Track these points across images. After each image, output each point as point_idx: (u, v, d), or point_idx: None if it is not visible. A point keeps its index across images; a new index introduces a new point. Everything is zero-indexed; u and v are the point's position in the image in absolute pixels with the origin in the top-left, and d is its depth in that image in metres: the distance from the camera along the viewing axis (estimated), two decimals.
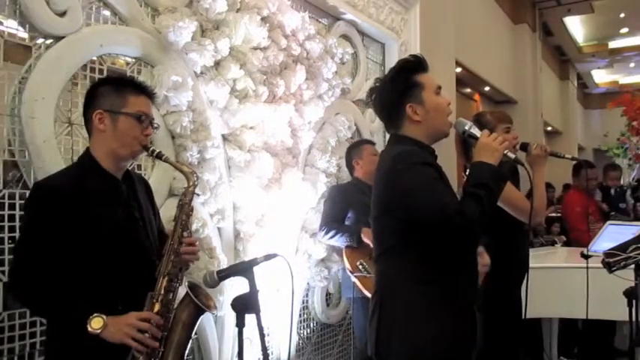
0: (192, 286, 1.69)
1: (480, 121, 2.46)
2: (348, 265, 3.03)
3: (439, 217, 1.53)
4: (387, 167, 1.68)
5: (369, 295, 2.93)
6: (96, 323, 1.48)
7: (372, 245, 2.90)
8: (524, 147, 2.39)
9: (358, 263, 3.02)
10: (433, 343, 1.59)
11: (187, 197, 1.72)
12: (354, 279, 2.99)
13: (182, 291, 1.71)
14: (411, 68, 1.75)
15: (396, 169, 1.63)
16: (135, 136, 1.65)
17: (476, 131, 1.74)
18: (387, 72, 1.84)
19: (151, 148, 1.70)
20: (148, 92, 1.72)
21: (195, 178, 1.74)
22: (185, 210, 1.71)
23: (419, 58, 1.77)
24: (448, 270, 1.64)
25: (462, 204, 1.57)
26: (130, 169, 1.79)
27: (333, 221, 3.09)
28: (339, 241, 3.07)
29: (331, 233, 3.07)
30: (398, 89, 1.73)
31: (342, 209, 3.11)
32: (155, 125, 1.74)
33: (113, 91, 1.66)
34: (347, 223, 3.11)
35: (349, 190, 3.16)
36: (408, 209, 1.60)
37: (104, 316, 1.49)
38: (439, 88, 1.76)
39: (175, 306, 1.67)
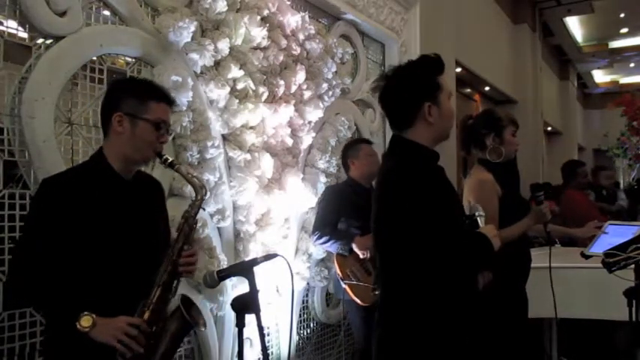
0: (186, 301, 1.69)
1: (492, 116, 2.44)
2: (338, 272, 3.02)
3: (434, 259, 1.56)
4: (384, 184, 1.66)
5: (359, 301, 2.94)
6: (85, 321, 1.49)
7: (361, 256, 2.93)
8: (538, 189, 2.35)
9: (349, 271, 3.00)
10: None
11: (193, 210, 1.72)
12: (344, 286, 2.98)
13: (175, 301, 1.71)
14: (433, 67, 1.71)
15: (393, 192, 1.60)
16: (150, 142, 1.66)
17: (482, 222, 1.78)
18: (406, 64, 1.76)
19: (164, 157, 1.70)
20: (169, 100, 1.73)
21: (204, 192, 1.74)
22: (189, 222, 1.71)
23: (441, 60, 1.72)
24: (449, 289, 1.61)
25: (463, 244, 1.60)
26: (141, 171, 1.80)
27: (326, 226, 3.05)
28: (331, 248, 3.05)
29: (324, 239, 3.03)
30: (421, 86, 1.68)
31: (336, 213, 3.07)
32: (170, 132, 1.75)
33: (136, 95, 1.66)
34: (340, 226, 3.07)
35: (343, 193, 3.11)
36: (404, 238, 1.58)
37: (94, 316, 1.50)
38: (450, 94, 1.75)
39: (166, 316, 1.67)
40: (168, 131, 1.73)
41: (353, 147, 3.22)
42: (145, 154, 1.68)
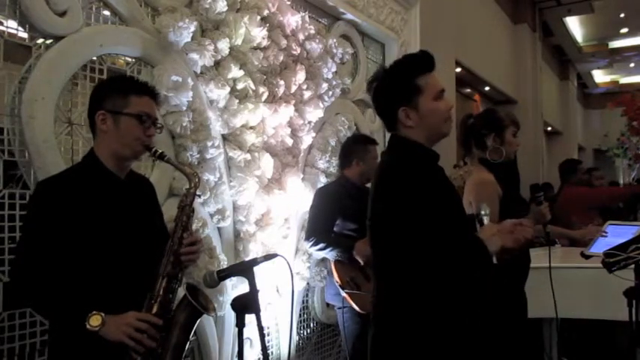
0: (191, 288, 1.69)
1: (493, 116, 2.42)
2: (337, 279, 2.90)
3: (434, 265, 1.55)
4: (379, 183, 1.65)
5: (358, 309, 2.84)
6: (94, 321, 1.49)
7: (362, 263, 2.84)
8: (537, 190, 2.34)
9: (348, 278, 2.89)
10: None
11: (188, 199, 1.72)
12: (344, 294, 2.87)
13: (182, 292, 1.71)
14: (413, 68, 1.65)
15: (388, 191, 1.59)
16: (137, 136, 1.66)
17: (487, 221, 1.76)
18: (391, 65, 1.72)
19: (154, 149, 1.70)
20: (151, 92, 1.72)
21: (197, 180, 1.74)
22: (186, 211, 1.71)
23: (425, 57, 1.66)
24: (445, 290, 1.59)
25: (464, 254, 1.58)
26: (133, 170, 1.80)
27: (321, 231, 2.92)
28: (329, 255, 2.92)
29: (320, 245, 2.89)
30: (393, 91, 1.65)
31: (331, 216, 2.96)
32: (159, 125, 1.74)
33: (116, 91, 1.66)
34: (335, 229, 2.98)
35: (336, 194, 2.99)
36: (398, 238, 1.57)
37: (103, 314, 1.50)
38: (441, 91, 1.66)
39: (174, 307, 1.67)
40: (155, 124, 1.71)
41: (362, 146, 3.07)
42: (133, 148, 1.67)
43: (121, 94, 1.65)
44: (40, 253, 1.52)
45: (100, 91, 1.69)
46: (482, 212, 1.78)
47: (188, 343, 1.69)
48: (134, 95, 1.67)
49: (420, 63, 1.66)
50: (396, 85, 1.65)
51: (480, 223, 1.76)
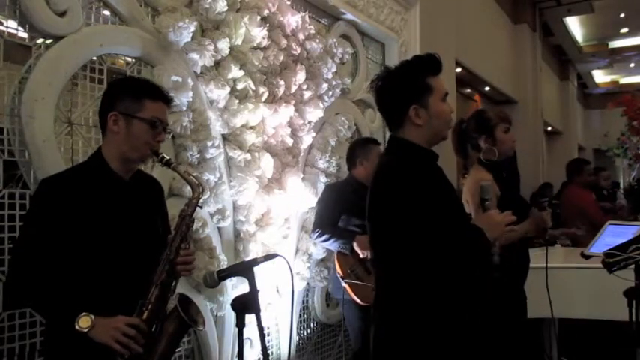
0: (183, 300, 1.68)
1: (481, 118, 2.43)
2: (339, 270, 3.00)
3: (433, 259, 1.56)
4: (377, 181, 1.67)
5: (358, 300, 2.92)
6: (84, 322, 1.49)
7: (362, 255, 2.91)
8: (543, 195, 2.35)
9: (349, 269, 2.97)
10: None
11: (190, 209, 1.72)
12: (344, 284, 2.96)
13: (174, 301, 1.70)
14: (424, 67, 1.69)
15: (386, 188, 1.61)
16: (147, 141, 1.66)
17: (488, 206, 1.77)
18: (398, 65, 1.75)
19: (161, 155, 1.69)
20: (165, 98, 1.72)
21: (201, 190, 1.74)
22: (186, 221, 1.71)
23: (435, 60, 1.69)
24: (446, 285, 1.60)
25: (463, 243, 1.59)
26: (142, 171, 1.80)
27: (327, 224, 3.03)
28: (332, 246, 3.02)
29: (325, 237, 3.01)
30: (406, 88, 1.67)
31: (337, 211, 3.05)
32: (168, 130, 1.74)
33: (131, 94, 1.66)
34: (340, 224, 3.06)
35: (344, 192, 3.09)
36: (397, 234, 1.58)
37: (92, 316, 1.50)
38: (446, 94, 1.71)
39: (165, 315, 1.66)
40: (165, 130, 1.72)
41: (364, 147, 3.15)
42: (141, 152, 1.67)
43: (135, 98, 1.65)
44: (37, 251, 1.52)
45: (114, 92, 1.69)
46: (485, 197, 1.78)
47: (175, 352, 1.68)
48: (149, 100, 1.66)
49: (429, 64, 1.69)
50: (408, 83, 1.68)
51: (483, 206, 1.76)
